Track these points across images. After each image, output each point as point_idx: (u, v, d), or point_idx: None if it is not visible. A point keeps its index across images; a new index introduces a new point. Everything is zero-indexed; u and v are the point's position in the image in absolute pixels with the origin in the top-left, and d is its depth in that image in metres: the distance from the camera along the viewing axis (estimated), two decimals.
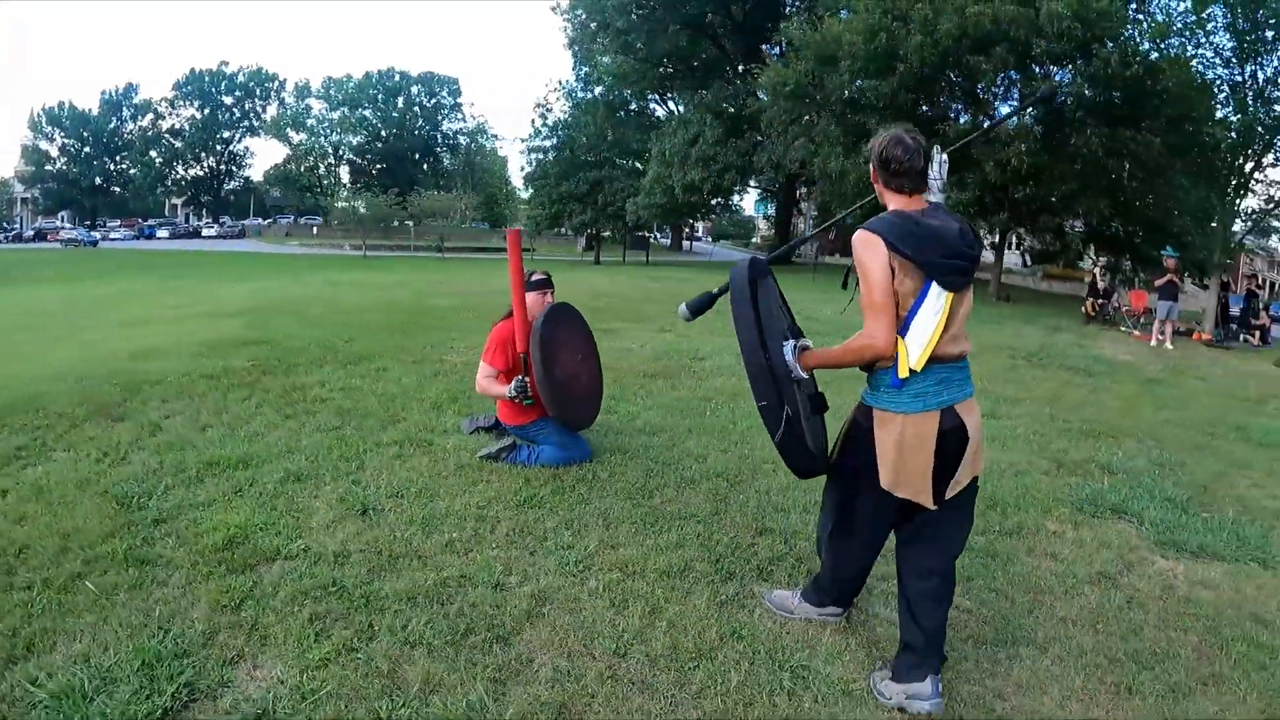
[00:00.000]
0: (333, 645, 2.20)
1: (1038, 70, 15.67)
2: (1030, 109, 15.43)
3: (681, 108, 34.06)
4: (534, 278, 4.02)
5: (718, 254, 48.41)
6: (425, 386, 5.21)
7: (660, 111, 37.68)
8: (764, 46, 29.18)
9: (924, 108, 18.11)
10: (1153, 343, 12.34)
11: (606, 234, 35.04)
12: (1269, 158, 16.38)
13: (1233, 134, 16.14)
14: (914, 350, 1.91)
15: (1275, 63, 15.07)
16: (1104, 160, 15.88)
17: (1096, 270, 16.90)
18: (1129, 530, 3.74)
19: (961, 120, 17.37)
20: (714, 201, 32.19)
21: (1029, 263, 37.46)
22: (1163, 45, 15.72)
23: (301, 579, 2.55)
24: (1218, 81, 16.02)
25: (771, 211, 44.79)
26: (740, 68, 30.64)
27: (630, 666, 2.25)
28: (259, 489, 3.30)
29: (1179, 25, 15.70)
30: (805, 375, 2.20)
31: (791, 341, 2.18)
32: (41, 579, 2.47)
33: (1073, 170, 16.20)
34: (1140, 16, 16.31)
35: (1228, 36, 15.48)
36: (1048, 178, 16.16)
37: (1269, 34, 14.82)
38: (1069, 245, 18.94)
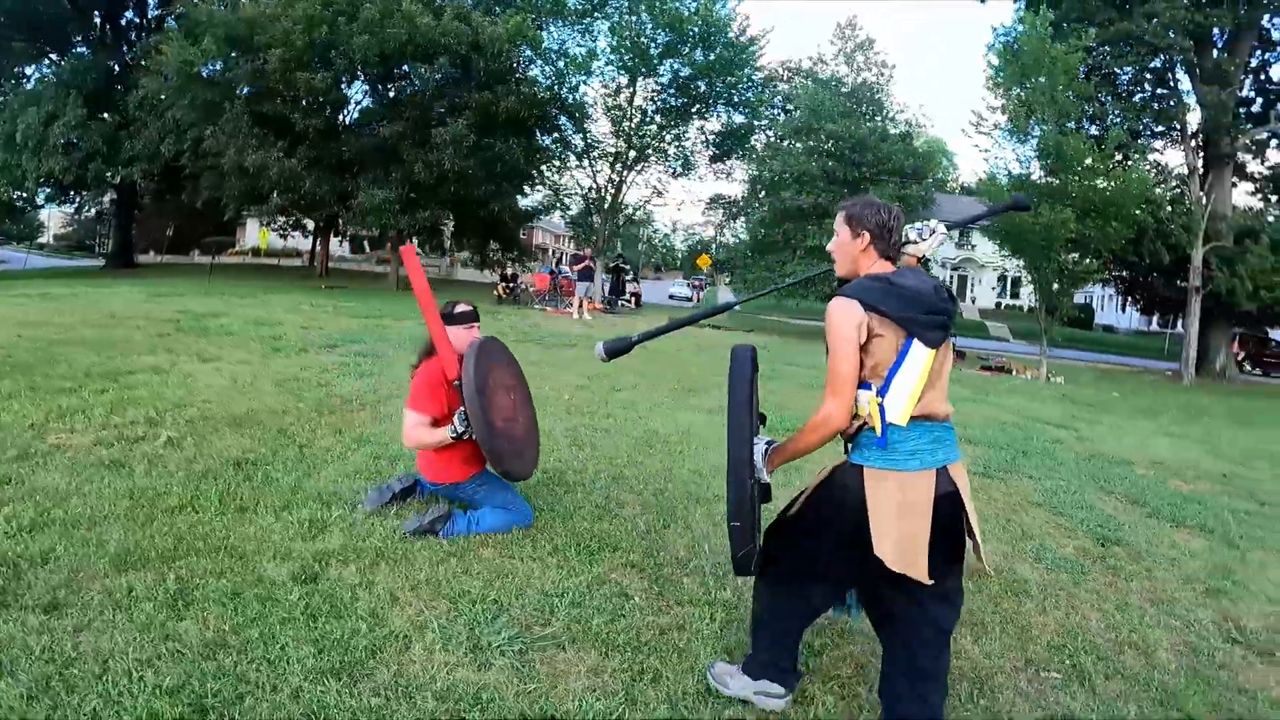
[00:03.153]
0: None
1: (471, 83, 17.43)
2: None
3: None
4: (458, 309, 3.36)
5: (32, 261, 37.34)
6: (164, 490, 3.38)
7: None
8: (128, 15, 23.82)
9: (358, 101, 18.30)
10: (574, 315, 15.63)
11: None
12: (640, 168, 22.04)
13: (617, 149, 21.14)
14: (894, 409, 1.88)
15: (645, 90, 20.37)
16: (522, 166, 19.09)
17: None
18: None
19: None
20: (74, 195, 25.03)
21: (368, 249, 41.17)
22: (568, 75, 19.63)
23: None
24: (605, 105, 20.60)
25: (72, 209, 37.09)
26: (102, 37, 24.29)
27: None
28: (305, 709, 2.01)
29: (577, 60, 19.62)
30: (768, 478, 2.04)
31: (762, 445, 2.04)
32: None
33: (493, 172, 18.90)
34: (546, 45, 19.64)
35: (618, 69, 20.08)
36: (472, 178, 18.31)
37: (646, 67, 19.69)
38: (442, 235, 21.68)
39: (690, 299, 37.66)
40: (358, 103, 18.64)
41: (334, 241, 27.59)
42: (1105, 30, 15.77)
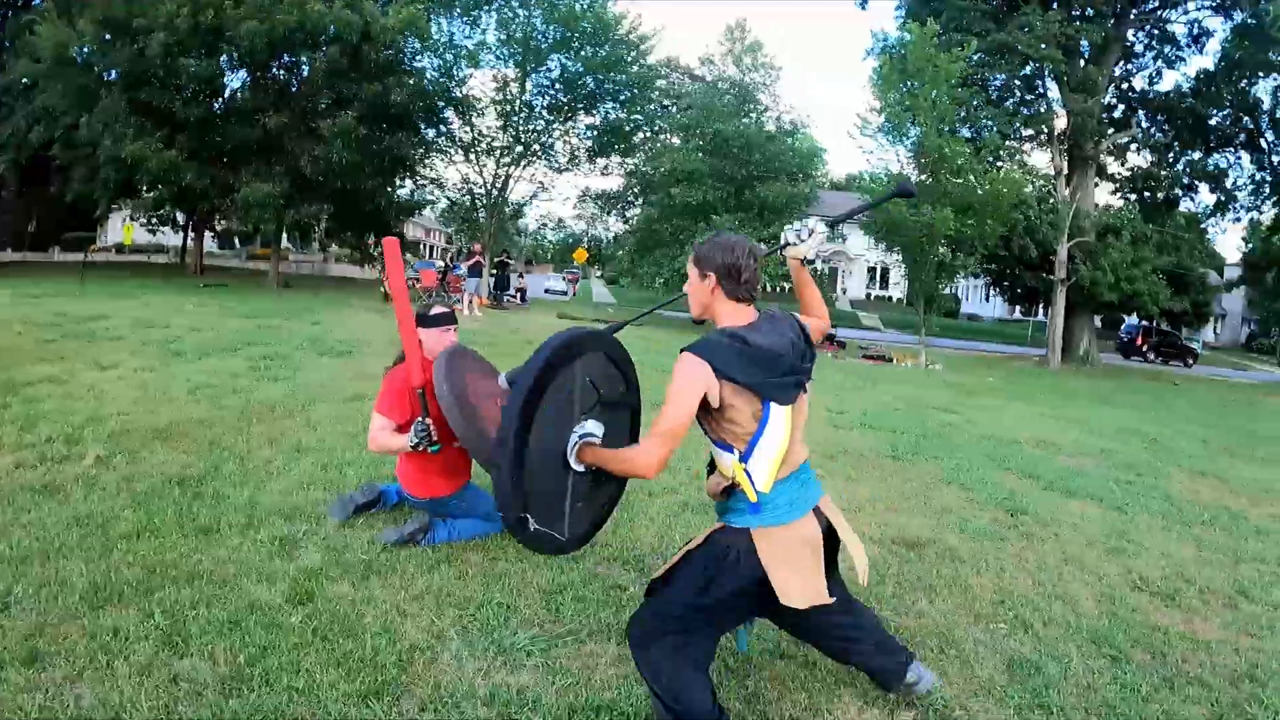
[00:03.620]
0: None
1: (360, 74, 16.78)
2: None
3: None
4: (433, 311, 3.31)
5: None
6: (113, 515, 3.14)
7: None
8: None
9: (241, 95, 17.27)
10: (465, 312, 15.33)
11: None
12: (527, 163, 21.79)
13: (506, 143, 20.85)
14: (760, 475, 1.85)
15: (534, 85, 20.11)
16: (411, 159, 18.85)
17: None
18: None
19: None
20: None
21: (238, 245, 38.99)
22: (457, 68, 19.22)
23: None
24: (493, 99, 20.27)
25: None
26: None
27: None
28: None
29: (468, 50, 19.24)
30: (579, 467, 1.99)
31: (577, 434, 1.98)
32: None
33: (380, 164, 18.45)
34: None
35: (505, 63, 19.77)
36: (360, 172, 17.63)
37: (535, 61, 19.47)
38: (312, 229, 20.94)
39: (565, 293, 37.46)
40: (234, 91, 17.46)
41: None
42: (982, 40, 17.12)
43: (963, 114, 17.50)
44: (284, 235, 20.19)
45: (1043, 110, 19.41)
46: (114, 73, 15.80)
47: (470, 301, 15.77)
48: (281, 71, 17.83)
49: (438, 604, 2.64)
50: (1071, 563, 3.67)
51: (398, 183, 20.92)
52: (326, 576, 2.78)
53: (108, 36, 15.26)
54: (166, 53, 14.63)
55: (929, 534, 3.89)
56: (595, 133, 21.73)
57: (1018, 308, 43.05)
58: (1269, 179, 20.86)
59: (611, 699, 2.16)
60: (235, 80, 17.83)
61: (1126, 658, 2.68)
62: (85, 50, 15.57)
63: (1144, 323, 28.22)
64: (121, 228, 26.54)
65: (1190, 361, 28.65)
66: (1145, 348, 28.59)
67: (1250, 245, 29.77)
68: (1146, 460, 6.69)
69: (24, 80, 17.50)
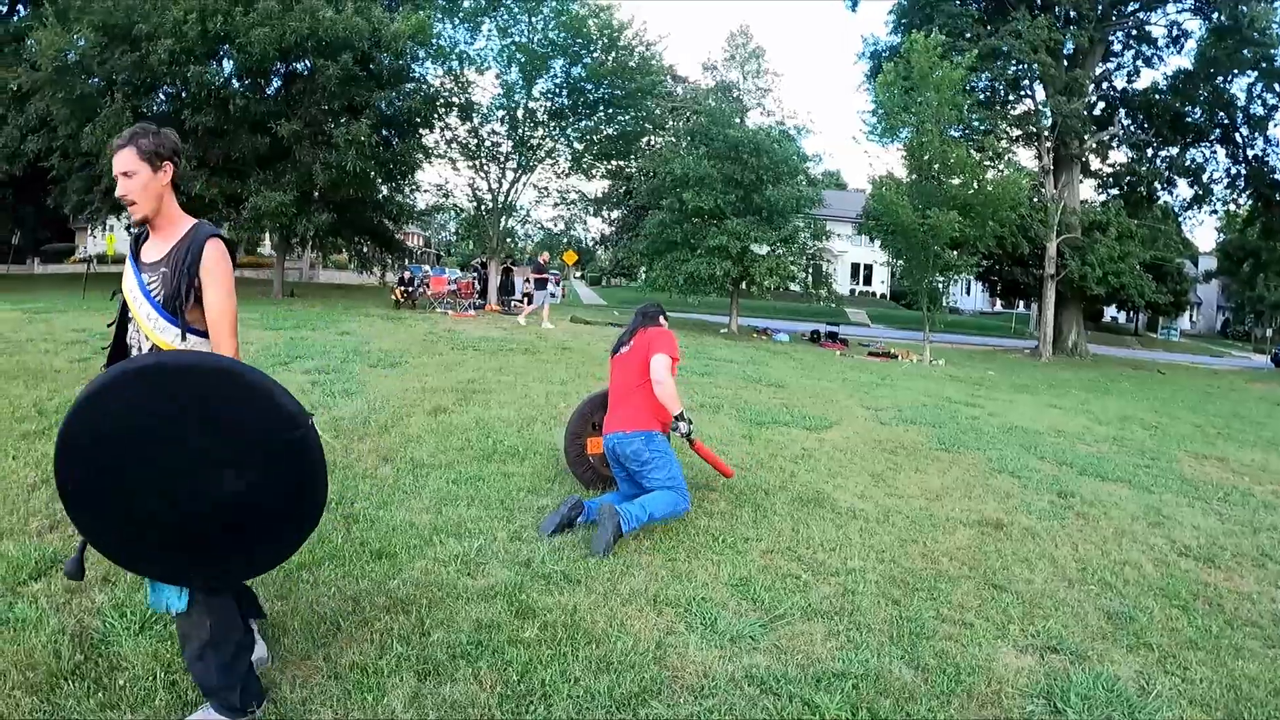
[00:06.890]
0: None
1: (371, 81, 17.01)
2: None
3: None
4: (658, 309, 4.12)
5: None
6: None
7: None
8: None
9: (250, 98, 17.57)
10: (521, 320, 15.32)
11: None
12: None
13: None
14: None
15: (539, 90, 20.48)
16: (412, 163, 19.79)
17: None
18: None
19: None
20: None
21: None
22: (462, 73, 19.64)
23: None
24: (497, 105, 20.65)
25: None
26: None
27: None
28: None
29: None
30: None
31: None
32: None
33: (388, 171, 19.01)
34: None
35: (505, 66, 20.10)
36: (371, 179, 18.08)
37: (538, 68, 19.81)
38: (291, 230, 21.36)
39: (555, 295, 37.70)
40: (243, 99, 17.66)
41: None
42: (974, 44, 17.88)
43: (957, 115, 18.29)
44: (270, 243, 20.42)
45: (1026, 110, 20.24)
46: (117, 80, 15.90)
47: (540, 311, 15.46)
48: (296, 79, 18.08)
49: (652, 604, 2.93)
50: (1124, 535, 4.34)
51: (406, 190, 21.19)
52: (534, 589, 2.97)
53: (104, 44, 15.32)
54: (172, 59, 14.71)
55: (1005, 516, 4.47)
56: (600, 138, 22.15)
57: (998, 301, 44.21)
58: (1244, 172, 21.94)
59: (843, 667, 2.58)
60: (241, 87, 18.12)
61: (1192, 607, 3.36)
62: (81, 57, 15.49)
63: None
64: (104, 238, 26.35)
65: None
66: None
67: (1226, 236, 30.79)
68: (1154, 445, 7.42)
69: (13, 88, 17.45)
